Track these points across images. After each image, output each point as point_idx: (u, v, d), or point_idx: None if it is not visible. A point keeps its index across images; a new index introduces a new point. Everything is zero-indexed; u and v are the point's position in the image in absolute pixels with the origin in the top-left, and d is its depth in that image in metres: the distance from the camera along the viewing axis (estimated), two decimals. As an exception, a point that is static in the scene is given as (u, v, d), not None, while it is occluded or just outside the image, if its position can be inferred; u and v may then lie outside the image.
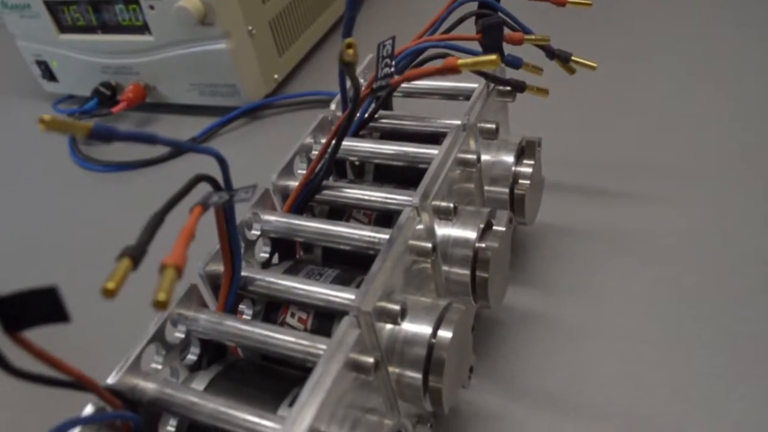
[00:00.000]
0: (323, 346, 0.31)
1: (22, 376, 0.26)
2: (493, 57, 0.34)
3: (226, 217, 0.33)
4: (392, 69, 0.37)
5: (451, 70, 0.35)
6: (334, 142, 0.40)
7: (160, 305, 0.23)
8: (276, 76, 0.76)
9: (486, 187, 0.46)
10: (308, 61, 0.83)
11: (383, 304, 0.33)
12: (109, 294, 0.23)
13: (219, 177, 0.31)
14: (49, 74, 0.83)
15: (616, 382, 0.41)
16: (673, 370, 0.41)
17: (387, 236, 0.36)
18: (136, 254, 0.25)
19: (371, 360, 0.31)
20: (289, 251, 0.42)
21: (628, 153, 0.57)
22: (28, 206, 0.70)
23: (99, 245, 0.59)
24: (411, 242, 0.36)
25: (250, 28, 0.70)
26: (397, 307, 0.33)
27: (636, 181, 0.54)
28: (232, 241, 0.34)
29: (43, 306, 0.24)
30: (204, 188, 0.30)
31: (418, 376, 0.35)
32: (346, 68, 0.34)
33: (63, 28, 0.78)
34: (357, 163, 0.48)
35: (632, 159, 0.57)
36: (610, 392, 0.41)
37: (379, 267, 0.34)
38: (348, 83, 0.41)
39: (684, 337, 0.43)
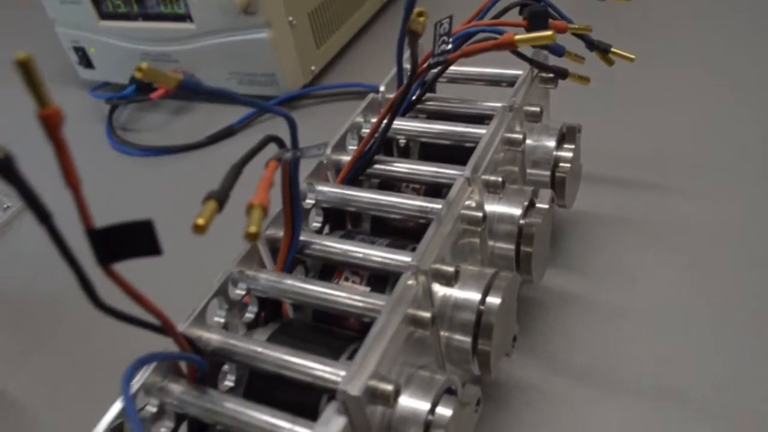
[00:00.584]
0: (382, 302, 0.33)
1: (109, 312, 0.27)
2: (549, 33, 0.36)
3: (290, 177, 0.34)
4: (450, 45, 0.39)
5: (508, 45, 0.37)
6: (388, 117, 0.41)
7: (252, 237, 0.25)
8: (313, 67, 0.77)
9: (528, 170, 0.47)
10: (344, 54, 0.85)
11: (438, 266, 0.34)
12: (199, 230, 0.25)
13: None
14: (86, 61, 0.84)
15: (649, 359, 0.43)
16: (702, 349, 0.43)
17: (439, 206, 0.37)
18: (220, 197, 0.27)
19: (428, 315, 0.32)
20: (339, 223, 0.43)
21: (661, 147, 0.59)
22: (67, 195, 0.71)
23: None
24: (463, 211, 0.37)
25: (290, 18, 0.72)
26: (451, 269, 0.34)
27: (669, 175, 0.55)
28: (294, 202, 0.35)
29: (136, 239, 0.25)
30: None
31: (468, 339, 0.36)
32: (411, 37, 0.35)
33: (103, 15, 0.80)
34: (402, 144, 0.49)
35: (665, 153, 0.58)
36: (643, 368, 0.42)
37: (435, 230, 0.35)
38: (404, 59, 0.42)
39: (712, 319, 0.44)
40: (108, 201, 0.65)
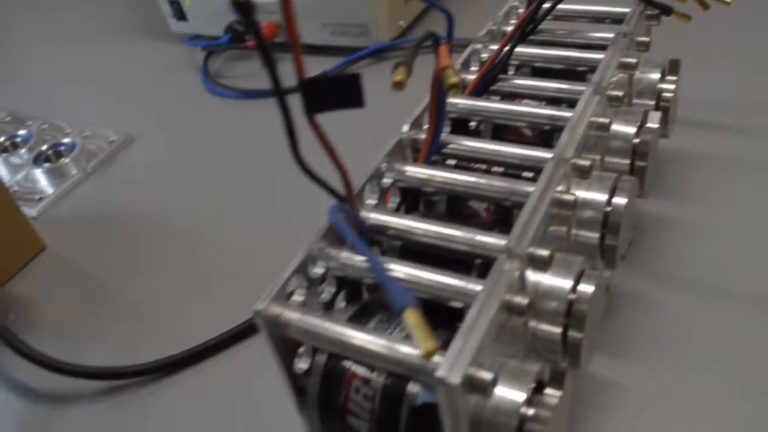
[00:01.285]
0: (529, 188, 0.35)
1: (304, 169, 0.30)
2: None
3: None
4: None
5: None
6: (517, 34, 0.44)
7: (454, 87, 0.28)
8: (401, 22, 0.80)
9: (633, 100, 0.50)
10: (430, 10, 0.86)
11: (575, 161, 0.37)
12: (398, 86, 0.28)
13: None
14: (179, 13, 0.88)
15: (755, 274, 0.45)
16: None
17: (569, 114, 0.40)
18: (408, 63, 0.30)
19: (573, 197, 0.35)
20: (463, 133, 0.46)
21: (748, 94, 0.61)
22: (166, 131, 0.75)
23: (235, 166, 0.65)
24: (592, 119, 0.40)
25: (383, -30, 0.75)
26: (587, 163, 0.37)
27: (756, 120, 0.58)
28: (440, 95, 0.38)
29: (343, 92, 0.28)
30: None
31: (596, 235, 0.39)
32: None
33: (200, -32, 0.83)
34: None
35: (753, 99, 0.60)
36: (750, 282, 0.45)
37: (574, 122, 0.38)
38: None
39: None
40: (208, 139, 0.69)
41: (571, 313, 0.34)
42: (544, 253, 0.32)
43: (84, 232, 0.63)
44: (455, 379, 0.26)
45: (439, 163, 0.42)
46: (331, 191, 0.32)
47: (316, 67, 0.77)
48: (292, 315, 0.32)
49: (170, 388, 0.47)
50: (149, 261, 0.58)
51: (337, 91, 0.28)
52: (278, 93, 0.28)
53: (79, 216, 0.65)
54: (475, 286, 0.31)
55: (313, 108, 0.29)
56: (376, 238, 0.37)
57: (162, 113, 0.78)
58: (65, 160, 0.69)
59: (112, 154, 0.71)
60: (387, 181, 0.39)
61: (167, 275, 0.56)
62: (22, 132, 0.74)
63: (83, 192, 0.68)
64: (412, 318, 0.23)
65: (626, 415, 0.39)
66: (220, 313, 0.50)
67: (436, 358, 0.28)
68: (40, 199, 0.66)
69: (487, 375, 0.27)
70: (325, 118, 0.29)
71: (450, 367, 0.26)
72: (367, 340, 0.30)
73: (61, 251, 0.61)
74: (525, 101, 0.47)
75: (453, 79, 0.28)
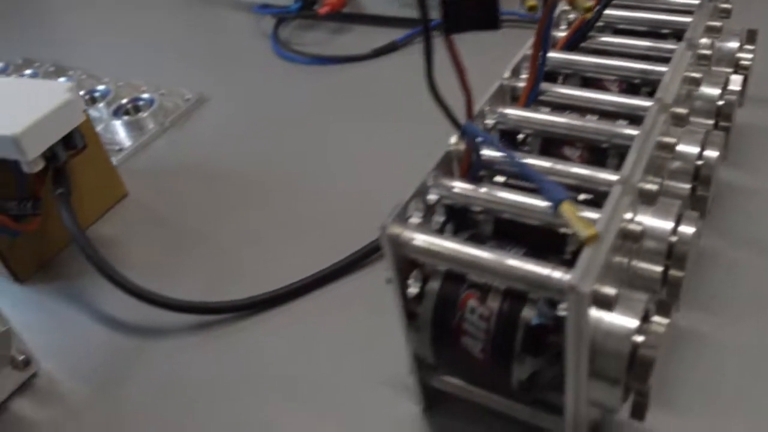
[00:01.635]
0: (635, 132, 0.37)
1: (432, 90, 0.32)
2: None
3: (548, 19, 0.38)
4: None
5: None
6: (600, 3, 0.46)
7: (587, 9, 0.29)
8: (466, -4, 0.82)
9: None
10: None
11: (674, 109, 0.39)
12: (532, 10, 0.30)
13: None
14: (248, -18, 0.90)
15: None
16: None
17: (664, 68, 0.42)
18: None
19: (673, 140, 0.37)
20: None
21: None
22: (239, 93, 0.77)
23: (307, 128, 0.69)
24: (685, 73, 0.42)
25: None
26: (685, 111, 0.39)
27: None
28: (545, 37, 0.39)
29: (480, 13, 0.30)
30: None
31: (687, 186, 0.40)
32: None
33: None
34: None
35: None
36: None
37: (669, 74, 0.40)
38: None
39: None
40: (280, 102, 0.71)
41: (672, 252, 0.35)
42: (652, 187, 0.34)
43: (163, 183, 0.65)
44: (586, 287, 0.28)
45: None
46: (453, 119, 0.34)
47: (383, 37, 0.79)
48: (412, 234, 0.33)
49: (257, 326, 0.49)
50: (227, 212, 0.60)
51: (475, 13, 0.30)
52: (424, 21, 0.29)
53: (156, 168, 0.67)
54: (592, 214, 0.32)
55: (451, 28, 0.30)
56: (481, 174, 0.39)
57: (233, 76, 0.80)
58: (143, 115, 0.71)
59: (187, 111, 0.73)
60: (490, 122, 0.41)
61: (245, 226, 0.58)
62: (100, 87, 0.76)
63: (160, 146, 0.70)
64: (569, 210, 0.25)
65: (710, 367, 0.41)
66: (295, 264, 0.52)
67: (556, 274, 0.29)
68: (120, 149, 0.68)
69: (611, 290, 0.29)
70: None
71: (580, 276, 0.28)
72: (488, 257, 0.32)
73: (143, 199, 0.63)
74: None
75: (588, 3, 0.30)
